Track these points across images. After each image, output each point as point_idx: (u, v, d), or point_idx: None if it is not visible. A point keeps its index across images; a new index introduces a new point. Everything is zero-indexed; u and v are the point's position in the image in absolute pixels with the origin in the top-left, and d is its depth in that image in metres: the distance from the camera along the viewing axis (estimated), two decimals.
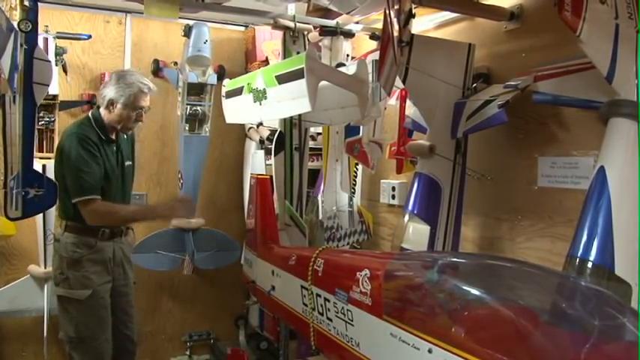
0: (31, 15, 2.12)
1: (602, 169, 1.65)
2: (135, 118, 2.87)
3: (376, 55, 2.30)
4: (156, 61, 3.79)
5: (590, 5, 1.59)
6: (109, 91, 2.82)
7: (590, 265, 1.59)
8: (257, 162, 3.82)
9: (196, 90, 3.71)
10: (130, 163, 3.05)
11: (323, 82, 2.36)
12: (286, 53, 2.95)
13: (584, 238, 1.62)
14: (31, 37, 2.12)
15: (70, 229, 2.81)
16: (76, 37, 3.62)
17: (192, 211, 3.13)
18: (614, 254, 1.57)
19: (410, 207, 2.33)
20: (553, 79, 2.00)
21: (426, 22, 2.94)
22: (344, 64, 2.96)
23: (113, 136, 2.91)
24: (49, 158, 2.93)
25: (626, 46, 1.67)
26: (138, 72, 3.01)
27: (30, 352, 3.71)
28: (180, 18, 3.05)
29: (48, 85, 2.28)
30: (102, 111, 2.85)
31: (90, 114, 2.90)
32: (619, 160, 1.66)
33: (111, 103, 2.81)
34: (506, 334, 1.21)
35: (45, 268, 3.38)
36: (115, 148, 2.92)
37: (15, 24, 2.11)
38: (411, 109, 2.63)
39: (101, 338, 2.80)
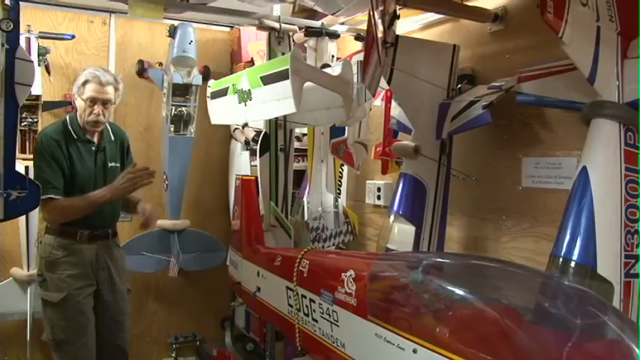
0: (12, 14, 2.08)
1: (584, 170, 1.66)
2: (91, 111, 2.75)
3: (361, 56, 2.29)
4: (140, 62, 3.78)
5: (572, 7, 1.60)
6: (73, 89, 2.84)
7: (573, 264, 1.59)
8: (242, 163, 3.82)
9: (181, 91, 3.70)
10: (116, 164, 2.94)
11: (308, 83, 2.36)
12: (271, 54, 2.94)
13: (567, 237, 1.63)
14: (12, 36, 2.09)
15: (49, 230, 2.79)
16: (59, 37, 3.60)
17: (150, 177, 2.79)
18: (597, 254, 1.58)
19: (395, 207, 2.34)
20: (536, 80, 2.02)
21: (410, 24, 2.95)
22: (329, 65, 2.96)
23: (93, 137, 2.85)
24: (32, 159, 2.90)
25: (608, 47, 1.68)
26: (103, 68, 2.95)
27: (13, 356, 3.66)
28: (165, 18, 3.04)
29: (30, 86, 2.24)
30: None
31: (68, 115, 2.90)
32: (601, 161, 1.67)
33: (75, 100, 2.83)
34: (491, 334, 1.21)
35: (28, 270, 3.35)
36: (93, 148, 2.84)
37: None
38: (396, 110, 2.64)
39: (78, 343, 2.71)
